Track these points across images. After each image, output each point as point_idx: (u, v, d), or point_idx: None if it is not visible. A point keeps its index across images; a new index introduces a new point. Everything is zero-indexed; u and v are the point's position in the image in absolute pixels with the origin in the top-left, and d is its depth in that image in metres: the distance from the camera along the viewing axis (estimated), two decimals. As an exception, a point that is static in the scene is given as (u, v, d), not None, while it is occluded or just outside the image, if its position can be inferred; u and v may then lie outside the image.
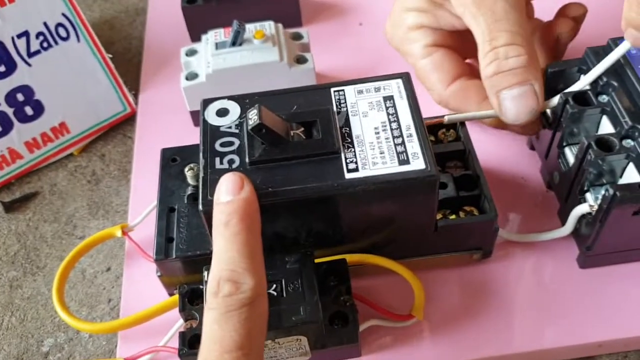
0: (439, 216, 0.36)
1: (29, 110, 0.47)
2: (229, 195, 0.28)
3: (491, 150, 0.43)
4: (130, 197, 0.45)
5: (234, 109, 0.36)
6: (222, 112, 0.36)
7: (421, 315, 0.35)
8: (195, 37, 0.54)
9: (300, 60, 0.46)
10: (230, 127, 0.35)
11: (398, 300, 0.37)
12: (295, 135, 0.34)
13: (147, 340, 0.36)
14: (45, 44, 0.47)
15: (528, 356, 0.36)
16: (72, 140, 0.50)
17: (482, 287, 0.38)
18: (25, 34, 0.46)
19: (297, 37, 0.48)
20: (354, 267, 0.36)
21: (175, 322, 0.36)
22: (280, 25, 0.47)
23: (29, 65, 0.47)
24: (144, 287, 0.39)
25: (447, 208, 0.37)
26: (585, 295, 0.37)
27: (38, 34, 0.47)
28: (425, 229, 0.35)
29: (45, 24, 0.47)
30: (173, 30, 0.56)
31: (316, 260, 0.34)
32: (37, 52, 0.47)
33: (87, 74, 0.49)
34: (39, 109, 0.48)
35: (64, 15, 0.47)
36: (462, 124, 0.40)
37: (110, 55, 0.50)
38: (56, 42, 0.47)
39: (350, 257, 0.36)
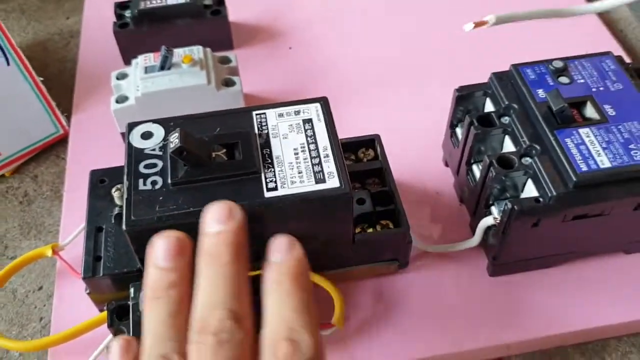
0: (357, 230, 0.39)
1: (-43, 134, 0.48)
2: (282, 254, 0.27)
3: (409, 167, 0.46)
4: (62, 217, 0.46)
5: (158, 131, 0.37)
6: (146, 135, 0.37)
7: (341, 324, 0.37)
8: (128, 60, 0.55)
9: (229, 83, 0.48)
10: (154, 150, 0.36)
11: (320, 311, 0.38)
12: (217, 157, 0.36)
13: (78, 356, 0.37)
14: (-27, 68, 0.47)
15: (442, 359, 0.38)
16: (4, 162, 0.50)
17: (399, 296, 0.40)
18: (-47, 57, 0.46)
19: (226, 60, 0.49)
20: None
21: (105, 338, 0.37)
22: (208, 50, 0.49)
23: (-43, 88, 0.47)
24: (74, 304, 0.40)
25: (365, 222, 0.39)
26: (494, 301, 0.40)
27: (-34, 58, 0.47)
28: (343, 242, 0.37)
29: (-27, 47, 0.47)
30: (106, 53, 0.57)
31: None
32: (-34, 76, 0.47)
33: (17, 96, 0.50)
34: (-32, 132, 0.48)
35: (-8, 38, 0.48)
36: (380, 143, 0.42)
37: (42, 79, 0.50)
38: (-15, 66, 0.48)
39: (273, 272, 0.37)
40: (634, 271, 0.41)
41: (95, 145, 0.50)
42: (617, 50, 0.55)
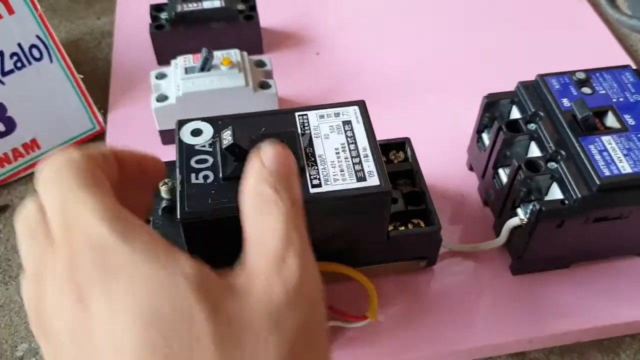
0: (390, 227, 0.41)
1: (1, 127, 0.49)
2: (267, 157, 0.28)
3: (435, 170, 0.48)
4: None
5: (207, 129, 0.40)
6: (196, 132, 0.39)
7: (374, 316, 0.39)
8: (162, 60, 0.58)
9: (264, 85, 0.50)
10: (204, 146, 0.39)
11: (355, 304, 0.40)
12: (264, 154, 0.38)
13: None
14: (19, 64, 0.49)
15: (466, 352, 0.40)
16: (43, 156, 0.52)
17: (427, 291, 0.42)
18: (0, 54, 0.48)
19: (261, 64, 0.52)
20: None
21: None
22: (245, 53, 0.51)
23: (3, 83, 0.49)
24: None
25: (397, 220, 0.42)
26: (517, 298, 0.42)
27: (12, 54, 0.49)
28: (378, 239, 0.40)
29: (19, 44, 0.49)
30: (140, 53, 0.59)
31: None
32: (11, 72, 0.49)
33: (58, 92, 0.52)
34: (11, 125, 0.50)
35: (37, 37, 0.50)
36: (410, 146, 0.44)
37: (82, 76, 0.52)
38: (30, 62, 0.50)
39: (311, 265, 0.40)
40: (647, 273, 0.43)
41: (132, 142, 0.52)
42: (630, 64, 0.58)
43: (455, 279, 0.43)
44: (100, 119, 0.54)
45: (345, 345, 0.40)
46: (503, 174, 0.43)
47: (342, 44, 0.61)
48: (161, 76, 0.51)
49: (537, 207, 0.37)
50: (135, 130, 0.53)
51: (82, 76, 0.53)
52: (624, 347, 0.42)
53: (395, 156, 0.45)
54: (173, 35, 0.56)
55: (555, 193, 0.39)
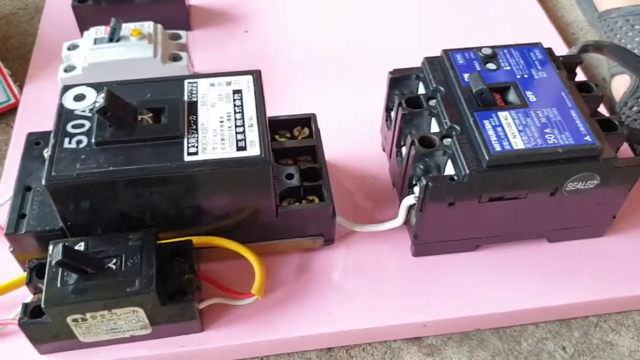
0: (285, 203, 0.39)
1: None
2: None
3: (347, 150, 0.47)
4: (1, 179, 0.46)
5: (91, 94, 0.38)
6: (79, 97, 0.38)
7: (261, 294, 0.38)
8: (86, 35, 0.56)
9: (176, 58, 0.48)
10: (84, 111, 0.37)
11: (246, 282, 0.39)
12: (143, 120, 0.36)
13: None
14: None
15: (357, 334, 0.39)
16: (-48, 126, 0.51)
17: (324, 271, 0.41)
18: None
19: (176, 37, 0.50)
20: (206, 251, 0.39)
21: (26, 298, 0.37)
22: (159, 26, 0.50)
23: None
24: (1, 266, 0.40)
25: (293, 197, 0.40)
26: (414, 281, 0.40)
27: None
28: (266, 213, 0.38)
29: None
30: (66, 28, 0.58)
31: (164, 241, 0.37)
32: None
33: (-30, 63, 0.50)
34: None
35: (-52, 4, 0.48)
36: (315, 122, 0.43)
37: (-5, 47, 0.51)
38: (-62, 30, 0.48)
39: (196, 239, 0.38)
40: (554, 259, 0.41)
41: (43, 113, 0.50)
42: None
43: (354, 259, 0.41)
44: (17, 91, 0.53)
45: (231, 323, 0.38)
46: (405, 152, 0.41)
47: (271, 22, 0.60)
48: (73, 47, 0.49)
49: (424, 182, 0.36)
50: (48, 102, 0.51)
51: (-5, 47, 0.51)
52: (527, 336, 0.40)
53: (300, 132, 0.43)
54: (96, 9, 0.55)
55: (449, 170, 0.37)
